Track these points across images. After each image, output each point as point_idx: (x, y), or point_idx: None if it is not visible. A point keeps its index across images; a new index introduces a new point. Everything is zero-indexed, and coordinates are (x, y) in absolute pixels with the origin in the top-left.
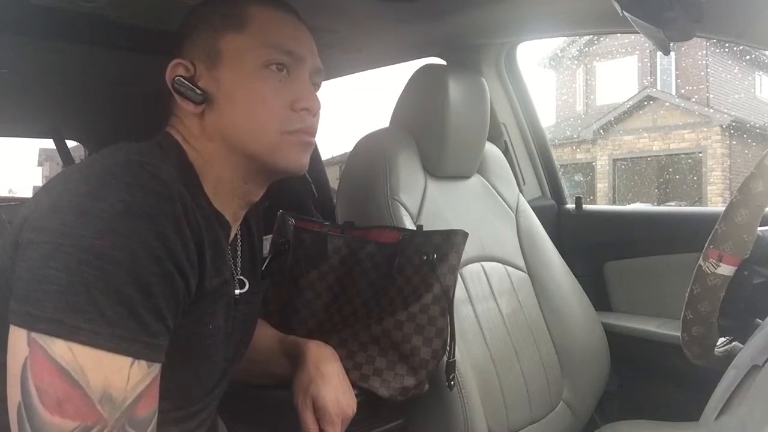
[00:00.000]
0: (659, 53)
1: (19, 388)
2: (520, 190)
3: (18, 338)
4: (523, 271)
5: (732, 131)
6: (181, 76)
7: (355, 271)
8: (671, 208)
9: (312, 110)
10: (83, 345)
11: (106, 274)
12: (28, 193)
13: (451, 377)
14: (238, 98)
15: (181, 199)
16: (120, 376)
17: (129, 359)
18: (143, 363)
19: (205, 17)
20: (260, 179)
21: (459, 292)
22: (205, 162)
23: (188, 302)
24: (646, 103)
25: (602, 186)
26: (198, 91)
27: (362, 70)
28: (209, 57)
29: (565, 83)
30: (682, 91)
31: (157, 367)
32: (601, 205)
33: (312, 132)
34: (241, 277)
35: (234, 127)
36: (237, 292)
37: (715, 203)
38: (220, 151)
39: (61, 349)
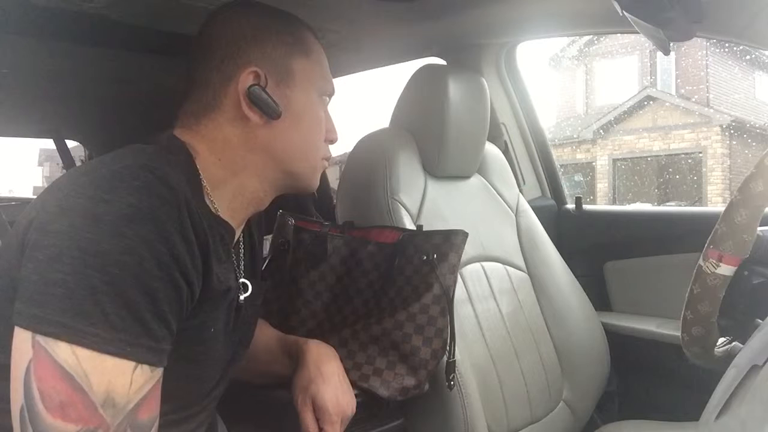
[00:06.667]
0: (659, 53)
1: (22, 390)
2: (520, 190)
3: (22, 340)
4: (523, 271)
5: (732, 131)
6: (257, 85)
7: (355, 271)
8: (671, 208)
9: (334, 142)
10: (87, 349)
11: (112, 278)
12: (28, 193)
13: (451, 377)
14: (303, 120)
15: (187, 204)
16: (123, 380)
17: (132, 363)
18: (146, 367)
19: (275, 32)
20: (280, 192)
21: (459, 292)
22: (232, 171)
23: (191, 307)
24: (646, 103)
25: (602, 186)
26: (276, 106)
27: (362, 70)
28: (280, 73)
29: (565, 83)
30: (682, 91)
31: (159, 372)
32: (601, 205)
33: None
34: (245, 281)
35: (289, 144)
36: (241, 297)
37: (715, 203)
38: (257, 163)
39: (65, 352)
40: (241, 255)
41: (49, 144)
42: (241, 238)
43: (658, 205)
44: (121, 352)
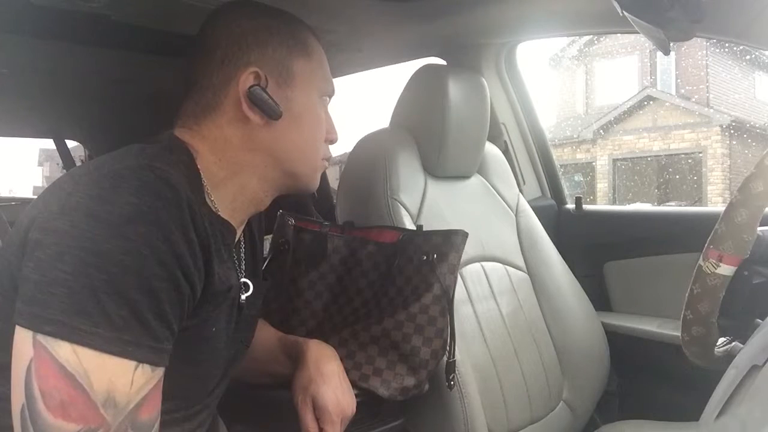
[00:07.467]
0: (659, 53)
1: (23, 390)
2: (520, 190)
3: (23, 339)
4: (523, 271)
5: (732, 131)
6: (257, 86)
7: (355, 271)
8: (671, 208)
9: (334, 142)
10: (88, 348)
11: (113, 277)
12: (28, 193)
13: (451, 377)
14: (303, 121)
15: (189, 204)
16: (124, 379)
17: (133, 363)
18: (147, 367)
19: (275, 32)
20: (280, 192)
21: (459, 292)
22: (232, 172)
23: (193, 306)
24: (646, 103)
25: (602, 186)
26: (277, 107)
27: (362, 70)
28: (281, 74)
29: (565, 83)
30: (682, 91)
31: (160, 371)
32: (601, 205)
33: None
34: (246, 280)
35: (290, 145)
36: (243, 297)
37: (715, 203)
38: (258, 163)
39: (66, 351)
40: (242, 254)
41: (49, 144)
42: (242, 238)
43: (658, 205)
44: (123, 351)
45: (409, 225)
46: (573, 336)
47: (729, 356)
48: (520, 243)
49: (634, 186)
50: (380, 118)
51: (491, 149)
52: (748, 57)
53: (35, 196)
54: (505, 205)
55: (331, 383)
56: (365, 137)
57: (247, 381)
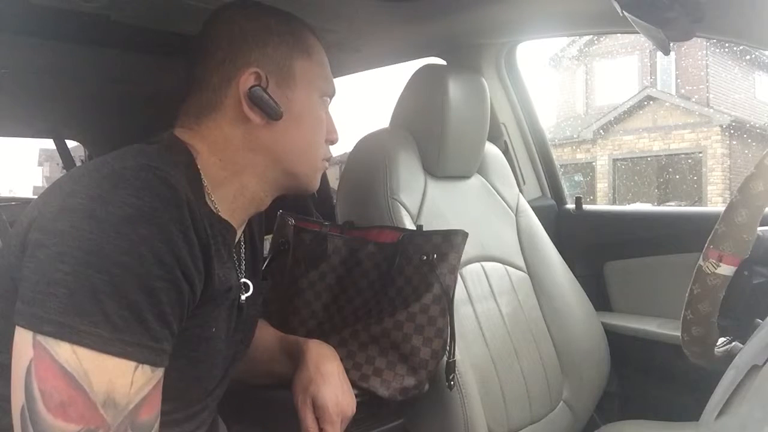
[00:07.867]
0: (659, 53)
1: (23, 390)
2: (520, 190)
3: (23, 340)
4: (523, 271)
5: (732, 131)
6: (258, 86)
7: (355, 271)
8: (671, 208)
9: (335, 143)
10: (88, 349)
11: (113, 278)
12: (28, 193)
13: (451, 377)
14: (304, 121)
15: (189, 204)
16: (124, 380)
17: (133, 364)
18: (147, 368)
19: (276, 32)
20: (280, 192)
21: (459, 292)
22: (232, 172)
23: (193, 307)
24: (646, 103)
25: (602, 186)
26: (278, 107)
27: (362, 70)
28: (281, 74)
29: (565, 83)
30: (682, 91)
31: (160, 372)
32: (601, 205)
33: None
34: (246, 281)
35: (290, 145)
36: (243, 297)
37: (715, 203)
38: (258, 163)
39: (65, 352)
40: (243, 255)
41: (49, 144)
42: (242, 238)
43: (658, 205)
44: (122, 352)
45: (409, 225)
46: (573, 336)
47: (729, 356)
48: (520, 243)
49: (634, 186)
50: (380, 118)
51: (491, 149)
52: (748, 57)
53: (35, 196)
54: (505, 205)
55: (331, 383)
56: (365, 137)
57: (247, 381)
